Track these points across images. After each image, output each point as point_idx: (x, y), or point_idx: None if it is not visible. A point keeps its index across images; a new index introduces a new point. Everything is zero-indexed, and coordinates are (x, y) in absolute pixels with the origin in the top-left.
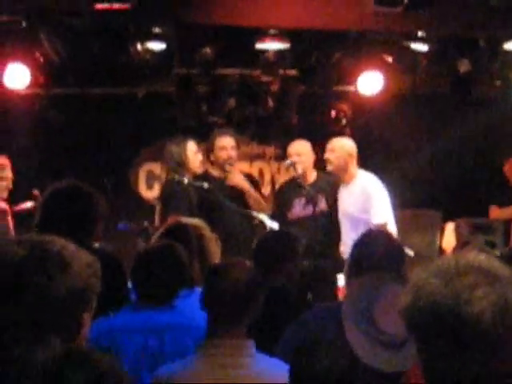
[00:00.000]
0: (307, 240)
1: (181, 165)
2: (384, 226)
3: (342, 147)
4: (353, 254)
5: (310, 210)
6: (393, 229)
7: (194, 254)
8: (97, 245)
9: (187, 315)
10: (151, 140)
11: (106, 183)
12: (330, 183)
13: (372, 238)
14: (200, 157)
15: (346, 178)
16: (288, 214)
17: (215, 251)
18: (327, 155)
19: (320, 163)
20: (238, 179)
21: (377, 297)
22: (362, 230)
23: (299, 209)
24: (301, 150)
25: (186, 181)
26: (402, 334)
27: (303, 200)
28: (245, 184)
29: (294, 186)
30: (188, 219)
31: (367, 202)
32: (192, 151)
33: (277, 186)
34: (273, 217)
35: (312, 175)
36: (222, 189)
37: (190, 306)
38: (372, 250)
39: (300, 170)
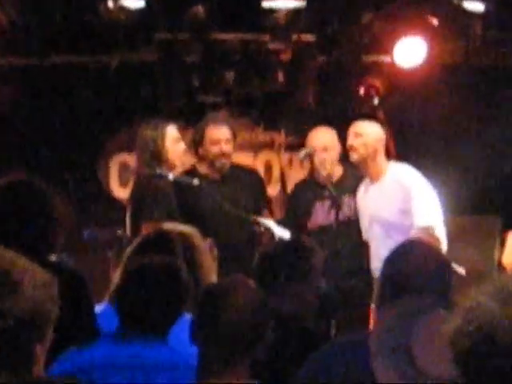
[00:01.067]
0: (330, 254)
1: (155, 156)
2: (429, 230)
3: (372, 132)
4: (384, 272)
5: (333, 215)
6: (442, 236)
7: None
8: (55, 258)
9: (180, 350)
10: (126, 124)
11: (67, 179)
12: (358, 179)
13: (409, 251)
14: (182, 146)
15: (373, 173)
16: (308, 222)
17: (210, 267)
18: (352, 141)
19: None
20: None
21: (416, 328)
22: (401, 239)
23: (322, 215)
24: (329, 143)
25: (170, 177)
26: (448, 375)
27: (326, 204)
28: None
29: (314, 185)
30: (175, 225)
31: (406, 200)
32: (172, 138)
33: (290, 187)
34: (286, 226)
35: (337, 171)
36: (214, 192)
37: (178, 336)
38: (409, 267)
39: (326, 170)
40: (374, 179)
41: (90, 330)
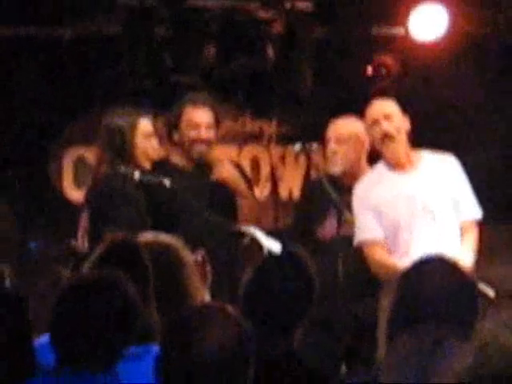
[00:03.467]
0: (344, 271)
1: (121, 152)
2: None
3: (398, 110)
4: (398, 294)
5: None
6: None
7: (149, 293)
8: None
9: None
10: (83, 110)
11: (9, 176)
12: None
13: (426, 270)
14: (154, 143)
15: (402, 161)
16: (318, 231)
17: (199, 284)
18: (386, 126)
19: None
20: (227, 173)
21: (434, 361)
22: (455, 239)
23: (335, 224)
24: (346, 134)
25: (136, 176)
26: None
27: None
28: (238, 182)
29: (327, 187)
30: (156, 235)
31: (457, 186)
32: (143, 133)
33: (283, 188)
34: (294, 234)
35: (362, 172)
36: (191, 188)
37: (140, 371)
38: (426, 289)
39: (337, 166)
40: (404, 167)
41: (27, 365)
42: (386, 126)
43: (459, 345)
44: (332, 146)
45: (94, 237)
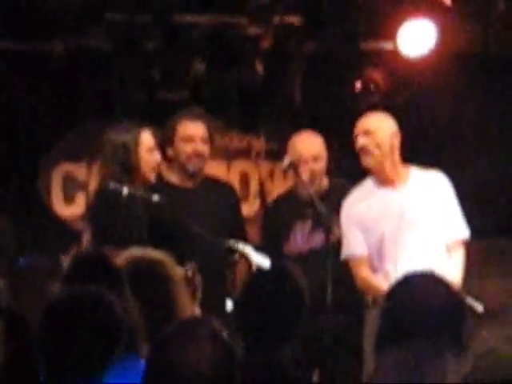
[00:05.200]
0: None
1: (128, 167)
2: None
3: (385, 126)
4: (384, 311)
5: (319, 239)
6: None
7: (125, 300)
8: None
9: None
10: (72, 125)
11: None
12: (347, 192)
13: (413, 285)
14: (157, 156)
15: (391, 176)
16: (285, 245)
17: (187, 300)
18: (363, 141)
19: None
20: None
21: (421, 378)
22: (441, 256)
23: (302, 238)
24: (319, 151)
25: (125, 191)
26: None
27: (309, 224)
28: None
29: (295, 201)
30: (144, 251)
31: (445, 205)
32: (147, 146)
33: (268, 202)
34: (262, 250)
35: (323, 184)
36: (185, 204)
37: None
38: (413, 305)
39: (315, 184)
40: (392, 183)
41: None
42: (362, 140)
43: (447, 360)
44: (310, 165)
45: None
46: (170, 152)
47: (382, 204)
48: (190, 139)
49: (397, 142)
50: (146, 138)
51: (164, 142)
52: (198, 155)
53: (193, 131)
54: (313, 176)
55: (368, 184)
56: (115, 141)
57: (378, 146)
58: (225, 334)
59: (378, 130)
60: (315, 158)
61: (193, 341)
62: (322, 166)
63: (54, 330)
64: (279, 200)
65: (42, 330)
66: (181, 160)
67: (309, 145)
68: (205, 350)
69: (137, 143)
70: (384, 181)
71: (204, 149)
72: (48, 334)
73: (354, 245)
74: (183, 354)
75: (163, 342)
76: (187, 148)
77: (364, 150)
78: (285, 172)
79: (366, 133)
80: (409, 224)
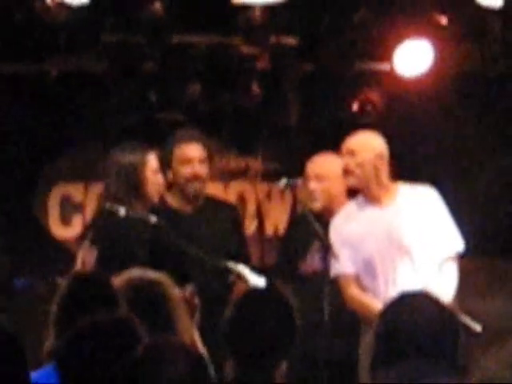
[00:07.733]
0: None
1: (133, 188)
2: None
3: (369, 146)
4: (378, 331)
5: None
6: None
7: None
8: None
9: None
10: (69, 145)
11: None
12: None
13: (408, 305)
14: (161, 178)
15: (378, 196)
16: (301, 265)
17: (186, 322)
18: (345, 161)
19: None
20: None
21: None
22: (431, 275)
23: (317, 258)
24: (323, 171)
25: (122, 212)
26: None
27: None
28: None
29: (309, 222)
30: (143, 272)
31: (435, 219)
32: (152, 168)
33: (270, 224)
34: (278, 271)
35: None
36: (185, 226)
37: None
38: (408, 325)
39: (317, 202)
40: (379, 202)
41: None
42: (345, 160)
43: (442, 380)
44: (311, 184)
45: None
46: (169, 176)
47: (368, 223)
48: (187, 161)
49: (383, 161)
50: (152, 159)
51: (163, 165)
52: (196, 177)
53: (190, 153)
54: (312, 195)
55: (356, 203)
56: (121, 161)
57: (360, 165)
58: (198, 354)
59: (362, 150)
60: (317, 177)
61: (170, 361)
62: (329, 187)
63: (78, 355)
64: (297, 220)
65: (65, 354)
66: (180, 183)
67: (314, 165)
68: (178, 370)
69: (143, 164)
70: (371, 199)
71: (203, 170)
72: (72, 358)
73: (343, 263)
74: (159, 375)
75: (141, 362)
76: (185, 170)
77: (346, 169)
78: (282, 193)
79: (349, 153)
80: (397, 242)
